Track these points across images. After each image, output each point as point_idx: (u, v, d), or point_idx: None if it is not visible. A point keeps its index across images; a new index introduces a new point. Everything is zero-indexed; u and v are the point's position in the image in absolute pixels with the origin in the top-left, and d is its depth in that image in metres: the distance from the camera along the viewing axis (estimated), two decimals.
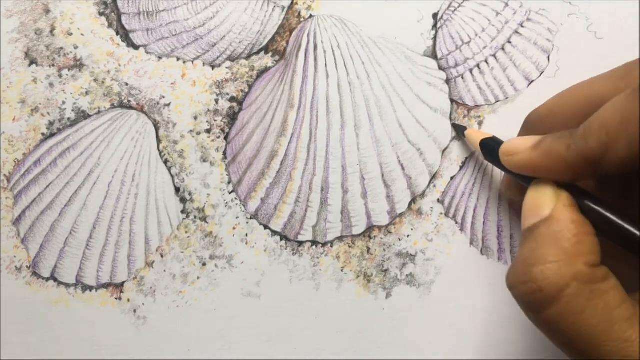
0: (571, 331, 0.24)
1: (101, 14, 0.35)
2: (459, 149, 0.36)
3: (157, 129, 0.35)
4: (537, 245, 0.25)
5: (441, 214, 0.36)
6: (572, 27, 0.35)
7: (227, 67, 0.35)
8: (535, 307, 0.25)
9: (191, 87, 0.35)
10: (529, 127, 0.31)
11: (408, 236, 0.35)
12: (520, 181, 0.29)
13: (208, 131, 0.35)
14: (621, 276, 0.25)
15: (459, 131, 0.35)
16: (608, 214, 0.26)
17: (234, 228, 0.35)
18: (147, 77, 0.35)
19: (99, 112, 0.35)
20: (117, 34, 0.35)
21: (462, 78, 0.35)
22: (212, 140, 0.35)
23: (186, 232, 0.35)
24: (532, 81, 0.35)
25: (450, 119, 0.35)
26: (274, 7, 0.35)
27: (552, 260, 0.24)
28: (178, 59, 0.35)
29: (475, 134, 0.33)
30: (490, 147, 0.31)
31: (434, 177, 0.36)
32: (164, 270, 0.35)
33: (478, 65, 0.35)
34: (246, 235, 0.35)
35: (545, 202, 0.26)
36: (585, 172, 0.26)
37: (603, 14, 0.35)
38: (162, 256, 0.35)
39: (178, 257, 0.35)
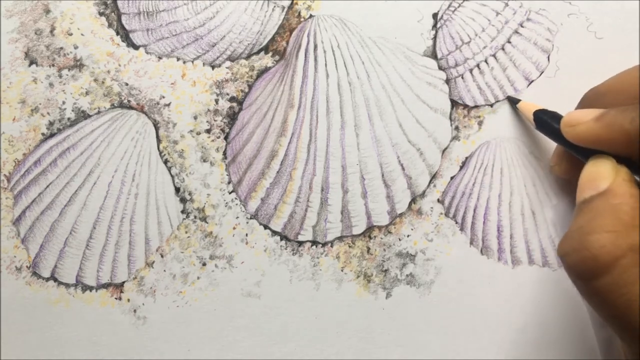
0: (621, 302, 0.24)
1: (101, 14, 0.35)
2: (459, 148, 0.36)
3: (157, 129, 0.35)
4: (594, 215, 0.25)
5: (441, 213, 0.35)
6: (572, 27, 0.35)
7: (227, 67, 0.35)
8: (587, 276, 0.25)
9: (191, 87, 0.35)
10: (587, 103, 0.31)
11: (408, 236, 0.35)
12: (578, 155, 0.29)
13: (208, 131, 0.35)
14: None
15: (512, 103, 0.35)
16: None
17: (234, 228, 0.35)
18: (147, 77, 0.35)
19: (99, 112, 0.35)
20: (117, 34, 0.35)
21: (462, 78, 0.35)
22: (212, 140, 0.35)
23: (186, 232, 0.35)
24: (532, 81, 0.35)
25: (450, 119, 0.35)
26: (274, 7, 0.35)
27: (609, 229, 0.24)
28: (178, 59, 0.35)
29: (529, 106, 0.33)
30: (546, 119, 0.32)
31: (434, 177, 0.36)
32: (164, 270, 0.35)
33: (478, 65, 0.35)
34: (246, 235, 0.35)
35: (603, 176, 0.26)
36: None
37: (603, 14, 0.35)
38: (162, 256, 0.35)
39: (178, 257, 0.35)
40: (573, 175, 0.28)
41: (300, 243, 0.35)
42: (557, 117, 0.31)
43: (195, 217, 0.35)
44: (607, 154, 0.27)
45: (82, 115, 0.35)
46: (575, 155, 0.30)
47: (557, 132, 0.30)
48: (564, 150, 0.32)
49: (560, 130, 0.30)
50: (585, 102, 0.32)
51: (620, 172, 0.26)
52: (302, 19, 0.35)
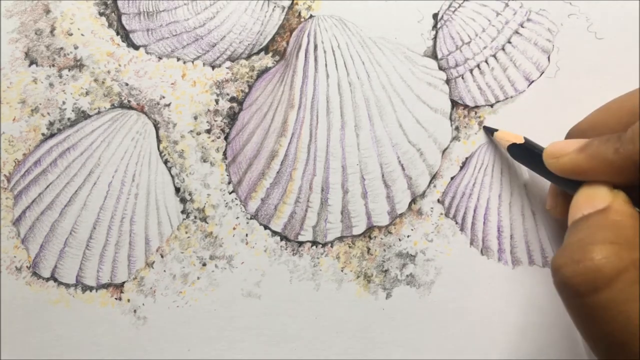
0: (619, 319, 0.23)
1: (101, 14, 0.35)
2: (459, 149, 0.36)
3: (157, 129, 0.35)
4: (594, 229, 0.24)
5: (441, 214, 0.35)
6: (572, 27, 0.35)
7: (227, 67, 0.35)
8: (587, 289, 0.23)
9: (191, 87, 0.35)
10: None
11: (408, 236, 0.35)
12: (562, 186, 0.29)
13: (208, 131, 0.35)
14: None
15: (489, 133, 0.35)
16: None
17: (234, 228, 0.35)
18: (147, 77, 0.35)
19: (99, 112, 0.35)
20: (117, 34, 0.35)
21: (462, 78, 0.35)
22: (212, 141, 0.35)
23: (186, 233, 0.35)
24: (533, 81, 0.35)
25: (450, 119, 0.35)
26: (274, 7, 0.35)
27: (613, 241, 0.23)
28: (178, 59, 0.35)
29: (506, 136, 0.33)
30: (525, 151, 0.32)
31: (434, 177, 0.36)
32: (164, 271, 0.35)
33: (478, 66, 0.35)
34: (246, 235, 0.35)
35: (601, 197, 0.26)
36: (632, 176, 0.25)
37: (603, 14, 0.35)
38: (162, 256, 0.35)
39: (178, 257, 0.35)
40: None
41: (300, 243, 0.35)
42: (537, 148, 0.31)
43: (195, 217, 0.35)
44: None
45: (82, 116, 0.35)
46: (559, 186, 0.30)
47: (539, 164, 0.30)
48: (559, 191, 0.31)
49: (543, 162, 0.29)
50: (569, 138, 0.31)
51: (618, 194, 0.26)
52: (302, 19, 0.35)
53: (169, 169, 0.35)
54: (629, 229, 0.24)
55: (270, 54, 0.35)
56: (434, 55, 0.35)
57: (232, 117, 0.35)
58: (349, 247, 0.35)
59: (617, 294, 0.23)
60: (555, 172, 0.28)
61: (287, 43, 0.35)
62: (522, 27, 0.35)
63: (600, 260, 0.23)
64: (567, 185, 0.28)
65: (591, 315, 0.24)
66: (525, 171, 0.35)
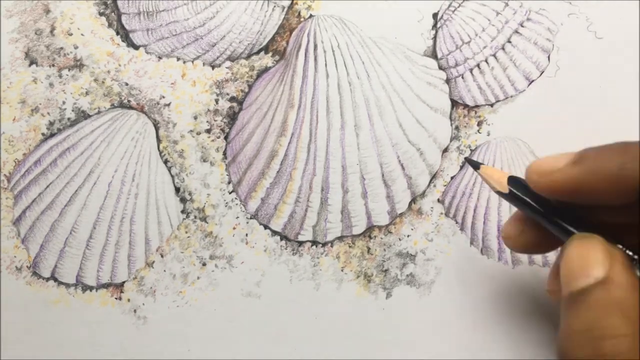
0: None
1: (101, 14, 0.35)
2: (459, 149, 0.36)
3: (157, 129, 0.35)
4: (600, 314, 0.21)
5: (441, 213, 0.35)
6: (572, 27, 0.35)
7: (227, 67, 0.35)
8: None
9: (191, 87, 0.35)
10: None
11: (408, 236, 0.35)
12: (552, 227, 0.24)
13: (208, 131, 0.35)
14: None
15: (473, 166, 0.30)
16: None
17: (234, 228, 0.35)
18: (147, 77, 0.35)
19: (99, 112, 0.35)
20: (117, 33, 0.35)
21: (462, 78, 0.35)
22: (212, 140, 0.35)
23: (186, 232, 0.35)
24: (532, 81, 0.35)
25: (451, 118, 0.35)
26: (274, 7, 0.35)
27: (624, 333, 0.21)
28: (178, 59, 0.35)
29: (493, 173, 0.28)
30: (515, 188, 0.27)
31: (434, 176, 0.36)
32: (164, 270, 0.35)
33: (478, 65, 0.35)
34: (246, 235, 0.35)
35: (597, 260, 0.22)
36: (635, 197, 0.21)
37: (603, 14, 0.35)
38: (162, 256, 0.35)
39: (178, 257, 0.35)
40: None
41: (300, 243, 0.35)
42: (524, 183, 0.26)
43: (195, 217, 0.35)
44: (592, 233, 0.23)
45: (82, 115, 0.35)
46: (551, 229, 0.25)
47: (530, 198, 0.25)
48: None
49: (530, 192, 0.25)
50: None
51: (616, 256, 0.22)
52: (302, 19, 0.35)
53: (169, 169, 0.35)
54: (635, 308, 0.21)
55: (270, 53, 0.35)
56: (433, 54, 0.35)
57: (232, 116, 0.35)
58: (349, 246, 0.35)
59: None
60: (542, 193, 0.24)
61: (287, 43, 0.35)
62: (522, 26, 0.35)
63: (616, 358, 0.21)
64: (563, 231, 0.24)
65: None
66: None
